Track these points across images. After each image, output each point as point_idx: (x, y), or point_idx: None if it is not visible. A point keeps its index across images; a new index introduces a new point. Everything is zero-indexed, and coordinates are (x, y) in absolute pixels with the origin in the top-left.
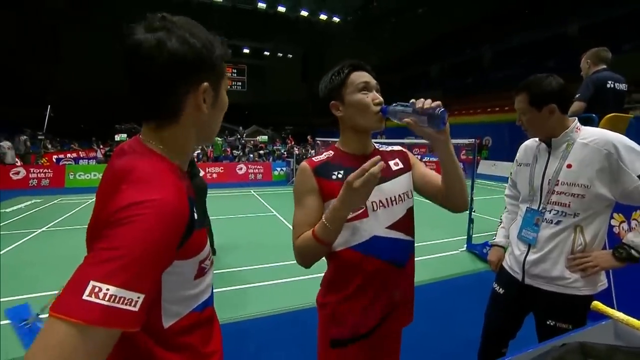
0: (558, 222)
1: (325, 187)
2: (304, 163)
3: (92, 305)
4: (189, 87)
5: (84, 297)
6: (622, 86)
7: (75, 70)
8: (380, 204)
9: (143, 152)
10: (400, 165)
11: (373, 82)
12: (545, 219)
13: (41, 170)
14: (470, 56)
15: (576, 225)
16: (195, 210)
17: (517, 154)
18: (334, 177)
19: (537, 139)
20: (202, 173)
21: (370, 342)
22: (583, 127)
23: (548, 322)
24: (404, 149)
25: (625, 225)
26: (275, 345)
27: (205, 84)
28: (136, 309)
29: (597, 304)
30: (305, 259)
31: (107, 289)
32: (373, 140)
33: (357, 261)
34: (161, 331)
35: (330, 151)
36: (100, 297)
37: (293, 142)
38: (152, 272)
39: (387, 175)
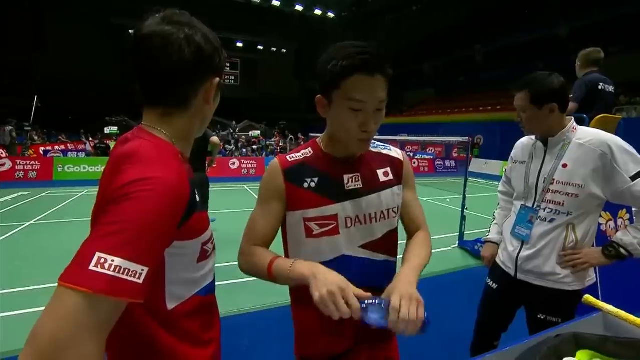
0: (552, 220)
1: (294, 195)
2: (276, 160)
3: (98, 275)
4: (205, 80)
5: (91, 267)
6: (611, 88)
7: (62, 60)
8: (356, 220)
9: (146, 137)
10: (390, 177)
11: (377, 98)
12: (540, 216)
13: (28, 162)
14: (462, 55)
15: (568, 223)
16: (196, 193)
17: (513, 152)
18: (305, 185)
19: (533, 137)
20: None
21: None
22: (579, 127)
23: (539, 316)
24: (402, 158)
25: (612, 224)
26: (270, 339)
27: (218, 79)
28: (140, 281)
29: (588, 297)
30: (249, 273)
31: (113, 260)
32: (389, 140)
33: None
34: (165, 313)
35: (310, 149)
36: (106, 268)
37: (279, 138)
38: (154, 247)
39: (372, 186)
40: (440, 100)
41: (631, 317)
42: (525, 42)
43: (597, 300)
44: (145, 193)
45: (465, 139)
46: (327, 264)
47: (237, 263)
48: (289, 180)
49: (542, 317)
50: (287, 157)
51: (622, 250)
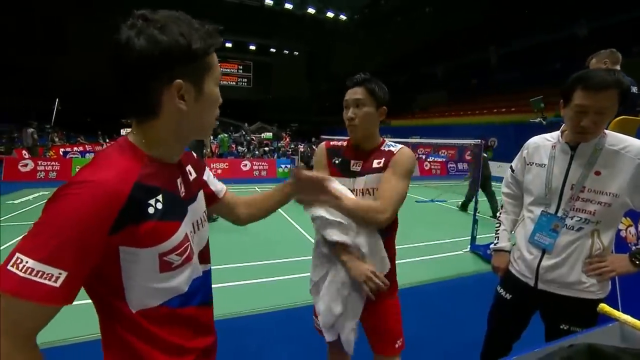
0: (579, 229)
1: (328, 166)
2: (323, 143)
3: (11, 275)
4: (161, 85)
5: (8, 267)
6: (635, 89)
7: (83, 62)
8: (354, 192)
9: (118, 142)
10: (381, 165)
11: (352, 98)
12: (566, 224)
13: (49, 163)
14: (476, 57)
15: (594, 230)
16: (160, 201)
17: (526, 152)
18: (334, 161)
19: (551, 137)
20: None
21: None
22: (608, 131)
23: (562, 327)
24: (395, 151)
25: (632, 230)
26: (276, 341)
27: (178, 81)
28: (57, 284)
29: (603, 307)
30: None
31: (27, 262)
32: (401, 142)
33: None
34: (129, 316)
35: (345, 142)
36: (19, 269)
37: (289, 140)
38: (74, 250)
39: (366, 170)
40: (452, 102)
41: None
42: (541, 43)
43: (614, 310)
44: (71, 196)
45: (478, 141)
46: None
47: (243, 265)
48: (328, 155)
49: (566, 328)
50: (331, 142)
51: None
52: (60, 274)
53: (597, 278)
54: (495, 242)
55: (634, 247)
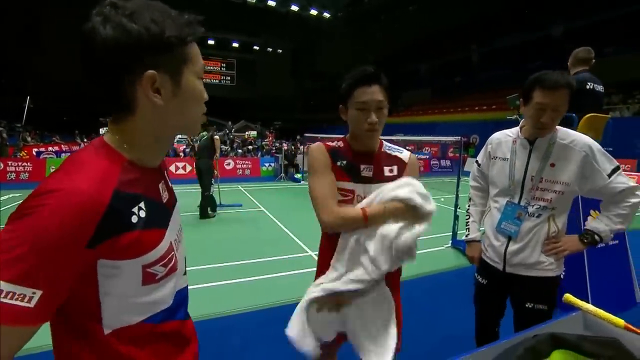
0: (539, 216)
1: (333, 168)
2: (319, 143)
3: None
4: (133, 77)
5: None
6: (600, 88)
7: (57, 59)
8: (364, 198)
9: (93, 144)
10: (395, 173)
11: (375, 99)
12: (528, 212)
13: (20, 164)
14: (459, 56)
15: (550, 215)
16: (143, 209)
17: (489, 148)
18: (339, 163)
19: (510, 134)
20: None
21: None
22: (558, 127)
23: (527, 305)
24: (407, 161)
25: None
26: (260, 340)
27: (150, 72)
28: (31, 305)
29: (568, 297)
30: (341, 222)
31: None
32: (386, 139)
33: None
34: (100, 338)
35: (340, 142)
36: None
37: (273, 138)
38: (48, 268)
39: (380, 178)
40: (436, 100)
41: (610, 316)
42: (521, 43)
43: (577, 299)
44: (45, 208)
45: (458, 138)
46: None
47: (225, 264)
48: (331, 157)
49: (530, 306)
50: (327, 142)
51: (595, 236)
52: (34, 293)
53: (554, 257)
54: (467, 234)
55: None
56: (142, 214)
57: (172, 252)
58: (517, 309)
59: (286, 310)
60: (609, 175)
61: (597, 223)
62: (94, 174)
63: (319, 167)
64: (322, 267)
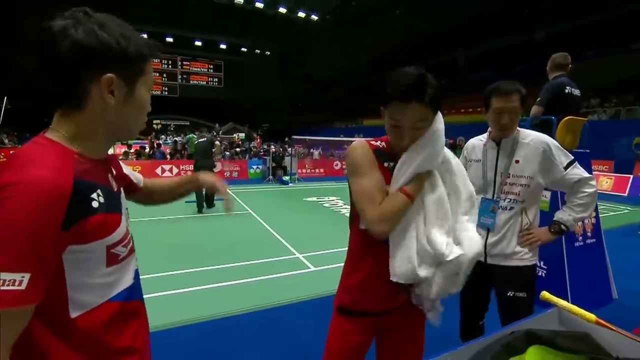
0: (511, 208)
1: (380, 168)
2: (363, 141)
3: None
4: (92, 76)
5: None
6: (577, 92)
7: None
8: None
9: (38, 139)
10: None
11: (411, 120)
12: (501, 206)
13: None
14: (446, 59)
15: (522, 208)
16: (100, 195)
17: (465, 152)
18: (386, 164)
19: (482, 138)
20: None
21: (377, 323)
22: (519, 128)
23: (508, 294)
24: None
25: (579, 223)
26: (250, 343)
27: (110, 74)
28: (23, 287)
29: (545, 294)
30: (393, 221)
31: None
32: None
33: (383, 255)
34: (66, 321)
35: (383, 142)
36: None
37: (261, 140)
38: (31, 251)
39: None
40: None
41: (582, 312)
42: (505, 47)
43: (552, 296)
44: (13, 199)
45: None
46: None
47: (214, 267)
48: (376, 156)
49: (511, 294)
50: (371, 141)
51: (562, 226)
52: (23, 277)
53: (528, 247)
54: None
55: (580, 238)
56: (101, 199)
57: (129, 235)
58: (500, 298)
59: (275, 313)
60: (565, 168)
61: (561, 214)
62: (50, 164)
63: (364, 165)
64: (354, 268)
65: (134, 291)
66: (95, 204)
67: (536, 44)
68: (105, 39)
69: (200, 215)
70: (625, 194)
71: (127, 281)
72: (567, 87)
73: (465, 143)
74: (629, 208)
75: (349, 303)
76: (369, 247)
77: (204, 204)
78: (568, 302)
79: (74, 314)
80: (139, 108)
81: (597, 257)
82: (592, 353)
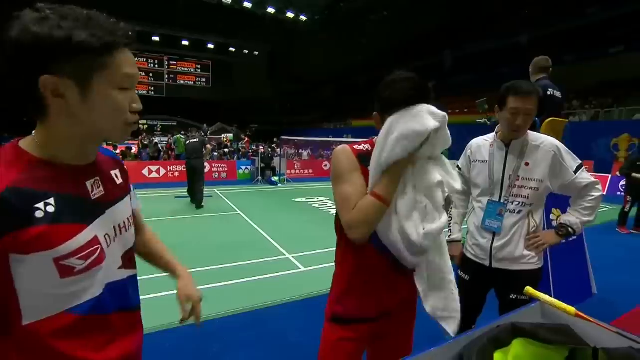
0: (519, 212)
1: (364, 173)
2: (346, 147)
3: None
4: (35, 78)
5: None
6: (559, 94)
7: None
8: None
9: (2, 147)
10: None
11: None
12: (509, 209)
13: None
14: (433, 60)
15: (529, 211)
16: (52, 204)
17: (469, 152)
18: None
19: (488, 138)
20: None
21: (372, 329)
22: (529, 131)
23: (511, 297)
24: None
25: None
26: (238, 345)
27: (45, 76)
28: None
29: (528, 289)
30: (365, 225)
31: None
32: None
33: (372, 259)
34: (18, 329)
35: (368, 144)
36: None
37: (249, 141)
38: None
39: None
40: None
41: (562, 305)
42: (491, 49)
43: (535, 291)
44: None
45: None
46: (376, 240)
47: (203, 269)
48: (359, 160)
49: (514, 297)
50: (354, 146)
51: (569, 229)
52: None
53: (535, 251)
54: (449, 234)
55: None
56: (50, 209)
57: (97, 246)
58: (502, 301)
59: (266, 314)
60: (575, 172)
61: (568, 217)
62: None
63: (344, 172)
64: (343, 287)
65: (105, 303)
66: (39, 214)
67: (520, 47)
68: (35, 34)
69: (187, 216)
70: (604, 193)
71: (90, 293)
72: (550, 90)
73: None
74: (607, 206)
75: (343, 311)
76: (357, 251)
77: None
78: (551, 297)
79: (26, 321)
80: (106, 109)
81: (578, 253)
82: (571, 344)
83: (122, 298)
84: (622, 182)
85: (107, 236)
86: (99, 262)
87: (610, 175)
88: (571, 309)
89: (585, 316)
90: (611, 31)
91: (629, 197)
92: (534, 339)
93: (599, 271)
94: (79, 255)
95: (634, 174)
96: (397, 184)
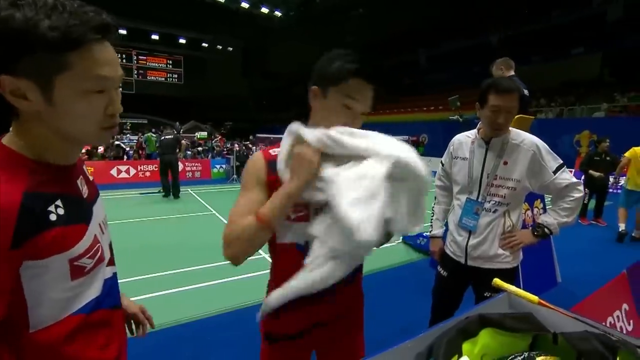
0: (495, 211)
1: (277, 184)
2: (258, 154)
3: None
4: None
5: None
6: (526, 91)
7: None
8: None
9: None
10: None
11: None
12: (485, 208)
13: None
14: (407, 58)
15: (505, 211)
16: (61, 206)
17: (451, 148)
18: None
19: (470, 135)
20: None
21: (301, 345)
22: (510, 128)
23: (486, 294)
24: None
25: (529, 213)
26: (213, 347)
27: (2, 76)
28: None
29: (496, 281)
30: (236, 246)
31: None
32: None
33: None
34: (24, 337)
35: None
36: None
37: (224, 140)
38: None
39: None
40: (386, 100)
41: (526, 294)
42: (464, 48)
43: (503, 282)
44: None
45: (406, 137)
46: (300, 245)
47: (174, 271)
48: (271, 171)
49: (488, 295)
50: (270, 151)
51: (546, 229)
52: None
53: (510, 250)
54: (430, 230)
55: (530, 228)
56: (61, 211)
57: (98, 244)
58: (478, 297)
59: (243, 314)
60: (554, 172)
61: (546, 217)
62: None
63: (245, 183)
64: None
65: (103, 300)
66: (53, 217)
67: (490, 47)
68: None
69: (160, 217)
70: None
71: (93, 292)
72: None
73: (427, 140)
74: None
75: (276, 328)
76: (278, 257)
77: (170, 193)
78: (520, 287)
79: (32, 329)
80: (73, 114)
81: (545, 245)
82: (534, 330)
83: (113, 296)
84: (583, 177)
85: (99, 234)
86: (101, 260)
87: (573, 170)
88: (534, 297)
89: (547, 304)
90: (572, 34)
91: (586, 190)
92: (500, 328)
93: (563, 261)
94: (89, 255)
95: (590, 171)
96: (288, 205)
